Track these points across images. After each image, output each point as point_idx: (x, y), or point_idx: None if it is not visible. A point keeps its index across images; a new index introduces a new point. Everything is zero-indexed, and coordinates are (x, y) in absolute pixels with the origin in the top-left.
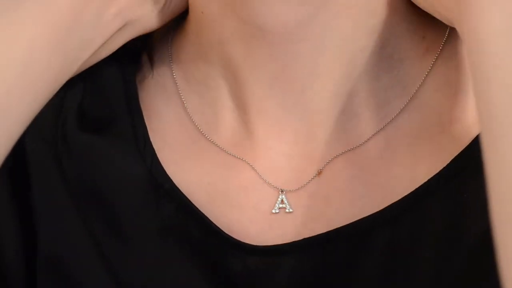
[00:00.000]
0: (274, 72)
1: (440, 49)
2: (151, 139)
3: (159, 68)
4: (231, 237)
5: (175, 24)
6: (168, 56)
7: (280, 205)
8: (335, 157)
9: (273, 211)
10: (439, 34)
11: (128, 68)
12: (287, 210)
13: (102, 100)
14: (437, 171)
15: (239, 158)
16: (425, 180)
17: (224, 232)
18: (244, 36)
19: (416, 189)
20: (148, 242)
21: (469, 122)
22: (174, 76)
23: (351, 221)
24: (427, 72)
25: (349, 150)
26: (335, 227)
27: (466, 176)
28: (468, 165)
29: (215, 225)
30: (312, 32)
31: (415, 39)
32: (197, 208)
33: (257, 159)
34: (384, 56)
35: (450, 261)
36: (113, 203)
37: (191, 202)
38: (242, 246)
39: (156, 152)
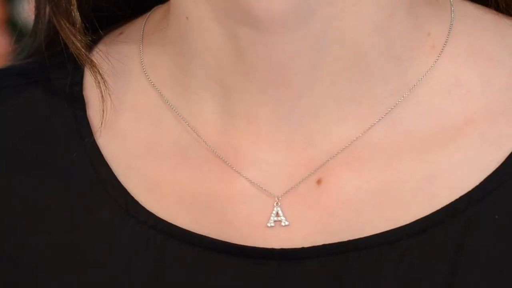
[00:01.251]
0: (269, 76)
1: (444, 46)
2: (117, 173)
3: (126, 83)
4: (238, 245)
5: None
6: (142, 68)
7: (276, 218)
8: (335, 163)
9: (268, 224)
10: (443, 29)
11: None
12: (283, 223)
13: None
14: (465, 183)
15: (226, 169)
16: (447, 194)
17: (228, 247)
18: (236, 38)
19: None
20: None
21: (487, 125)
22: (156, 89)
23: (359, 235)
24: (429, 69)
25: (350, 155)
26: (340, 241)
27: (503, 193)
28: (507, 180)
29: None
30: (312, 31)
31: (420, 36)
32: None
33: (246, 170)
34: (391, 57)
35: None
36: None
37: (181, 228)
38: (253, 254)
39: (128, 188)
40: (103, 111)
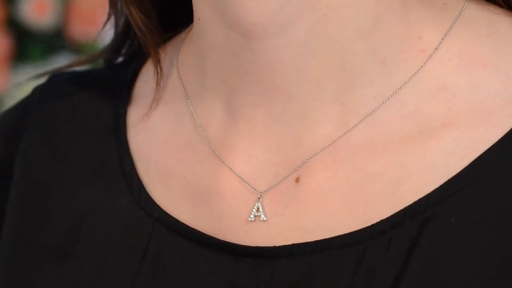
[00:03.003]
0: (262, 80)
1: (435, 50)
2: (137, 165)
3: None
4: (222, 241)
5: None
6: (176, 66)
7: (256, 213)
8: (314, 162)
9: (249, 219)
10: (438, 33)
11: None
12: (261, 219)
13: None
14: (429, 187)
15: (219, 165)
16: (411, 196)
17: (215, 244)
18: (231, 42)
19: (408, 207)
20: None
21: (464, 129)
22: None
23: (329, 235)
24: (415, 72)
25: (327, 156)
26: (313, 239)
27: (461, 198)
28: (477, 180)
29: (207, 239)
30: (294, 37)
31: (410, 39)
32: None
33: (238, 167)
34: (376, 60)
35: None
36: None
37: (180, 223)
38: (233, 250)
39: (145, 180)
40: (156, 90)
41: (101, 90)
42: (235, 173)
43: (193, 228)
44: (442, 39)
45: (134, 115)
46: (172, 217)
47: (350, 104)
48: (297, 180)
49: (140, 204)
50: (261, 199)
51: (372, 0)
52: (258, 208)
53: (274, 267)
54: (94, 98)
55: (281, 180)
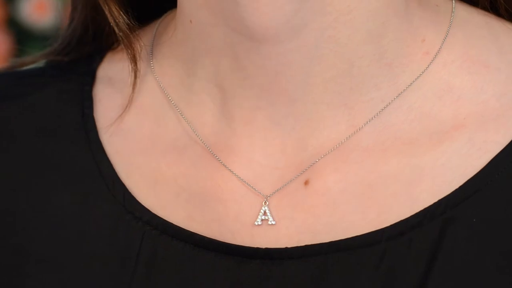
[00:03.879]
0: (264, 83)
1: (438, 51)
2: (118, 169)
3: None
4: (226, 244)
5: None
6: (151, 69)
7: (263, 217)
8: (323, 165)
9: (256, 223)
10: (439, 35)
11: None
12: (269, 223)
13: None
14: (445, 188)
15: (219, 168)
16: (427, 197)
17: (216, 246)
18: (233, 45)
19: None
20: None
21: (475, 130)
22: (163, 89)
23: (341, 236)
24: (419, 75)
25: (337, 158)
26: (325, 241)
27: (481, 198)
28: (495, 181)
29: (206, 241)
30: (305, 41)
31: (414, 42)
32: (180, 228)
33: (239, 170)
34: (383, 64)
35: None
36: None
37: (174, 225)
38: (238, 252)
39: (128, 184)
40: (132, 92)
41: (58, 91)
42: (237, 176)
43: (189, 231)
44: (443, 41)
45: (102, 117)
46: (164, 220)
47: (357, 107)
48: (306, 183)
49: (126, 208)
50: (267, 203)
51: (380, 4)
52: (265, 212)
53: (286, 269)
54: (51, 98)
55: (287, 183)
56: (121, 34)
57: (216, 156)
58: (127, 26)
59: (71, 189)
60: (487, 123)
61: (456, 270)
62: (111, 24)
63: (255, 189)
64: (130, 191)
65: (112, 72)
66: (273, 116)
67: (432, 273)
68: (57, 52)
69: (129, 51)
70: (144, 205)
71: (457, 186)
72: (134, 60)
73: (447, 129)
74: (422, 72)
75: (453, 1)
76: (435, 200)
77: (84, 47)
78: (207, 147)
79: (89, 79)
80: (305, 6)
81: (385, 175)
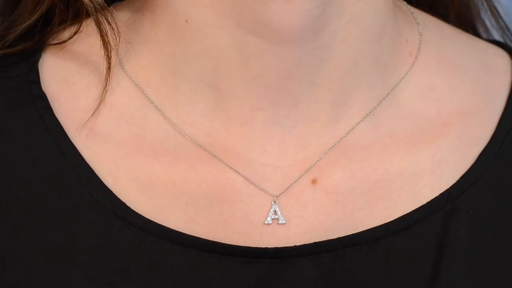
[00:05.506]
0: (271, 84)
1: (418, 52)
2: (101, 174)
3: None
4: (232, 246)
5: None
6: (121, 67)
7: (273, 216)
8: (328, 164)
9: (266, 222)
10: (416, 36)
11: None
12: (280, 222)
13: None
14: (444, 182)
15: (222, 169)
16: (429, 192)
17: (222, 244)
18: (243, 46)
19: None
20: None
21: (461, 128)
22: (140, 88)
23: (351, 232)
24: (405, 75)
25: (343, 156)
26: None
27: (476, 190)
28: (487, 173)
29: (210, 244)
30: (320, 42)
31: (401, 43)
32: (178, 232)
33: (241, 171)
34: (379, 64)
35: (475, 277)
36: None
37: (172, 230)
38: (246, 253)
39: (115, 189)
40: (104, 90)
41: (0, 91)
42: (243, 176)
43: (190, 235)
44: (420, 42)
45: (67, 119)
46: (160, 225)
47: (356, 106)
48: (313, 181)
49: (116, 214)
50: (277, 202)
51: (382, 6)
52: (275, 211)
53: (296, 267)
54: None
55: (295, 182)
56: (95, 15)
57: (217, 158)
58: (100, 6)
59: (46, 196)
60: (467, 120)
61: (464, 257)
62: (85, 3)
63: (262, 188)
64: (119, 197)
65: (65, 71)
66: (273, 116)
67: (443, 262)
68: None
69: (107, 47)
70: (136, 210)
71: (454, 181)
72: (107, 52)
73: (436, 126)
74: (407, 71)
75: (406, 4)
76: (436, 194)
77: (20, 42)
78: (206, 150)
79: (34, 77)
80: (327, 9)
81: (389, 172)
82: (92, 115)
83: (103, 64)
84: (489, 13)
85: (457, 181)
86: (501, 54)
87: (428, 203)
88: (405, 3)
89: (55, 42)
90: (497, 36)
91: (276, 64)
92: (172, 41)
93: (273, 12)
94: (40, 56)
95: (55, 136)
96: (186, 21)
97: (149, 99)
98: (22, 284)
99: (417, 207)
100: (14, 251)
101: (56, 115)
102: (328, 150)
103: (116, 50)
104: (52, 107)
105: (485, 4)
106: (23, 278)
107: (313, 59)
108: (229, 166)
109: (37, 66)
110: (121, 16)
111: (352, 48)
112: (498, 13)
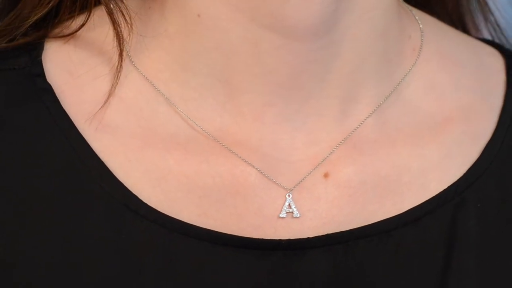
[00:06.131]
0: (284, 80)
1: (421, 49)
2: (112, 167)
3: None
4: (246, 238)
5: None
6: (130, 61)
7: (288, 210)
8: (340, 158)
9: (281, 215)
10: (418, 33)
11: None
12: (294, 215)
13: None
14: (451, 176)
15: (235, 163)
16: (437, 185)
17: (236, 237)
18: (257, 41)
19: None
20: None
21: (464, 123)
22: (151, 83)
23: (362, 225)
24: (409, 71)
25: (353, 151)
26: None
27: (482, 183)
28: (492, 166)
29: (224, 237)
30: (332, 38)
31: (405, 39)
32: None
33: (255, 165)
34: (386, 59)
35: (484, 268)
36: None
37: (185, 223)
38: (259, 246)
39: (127, 182)
40: (115, 82)
41: (3, 82)
42: (258, 170)
43: (203, 228)
44: (422, 39)
45: (75, 112)
46: (172, 218)
47: (364, 101)
48: (325, 175)
49: (128, 207)
50: (290, 196)
51: (388, 2)
52: (289, 205)
53: (309, 258)
54: None
55: (307, 176)
56: (108, 5)
57: (231, 150)
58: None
59: (56, 190)
60: (469, 117)
61: (473, 249)
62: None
63: (277, 182)
64: (130, 189)
65: (70, 63)
66: (284, 111)
67: (453, 254)
68: None
69: (120, 41)
70: (148, 203)
71: (461, 174)
72: (119, 44)
73: (440, 121)
74: (411, 67)
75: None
76: (444, 187)
77: (19, 35)
78: (221, 143)
79: (38, 69)
80: (341, 5)
81: (398, 166)
82: (101, 107)
83: (113, 56)
84: (480, 11)
85: (464, 175)
86: (495, 53)
87: (436, 195)
88: (403, 1)
89: (59, 35)
90: (486, 36)
91: (289, 60)
92: (183, 35)
93: (290, 7)
94: (42, 48)
95: (63, 128)
96: (198, 15)
97: (160, 92)
98: (32, 277)
99: (426, 199)
100: (24, 245)
101: (65, 108)
102: (339, 144)
103: (127, 43)
104: (59, 100)
105: (477, 2)
106: (33, 271)
107: (325, 55)
108: (243, 159)
109: (40, 59)
110: (129, 8)
111: (362, 44)
112: (490, 10)
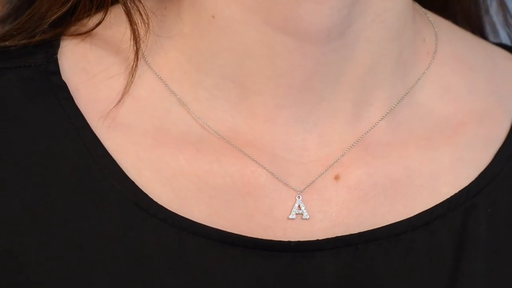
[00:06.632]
0: (296, 82)
1: (435, 52)
2: (123, 165)
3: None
4: (255, 239)
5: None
6: (144, 60)
7: (297, 211)
8: (351, 161)
9: (290, 216)
10: (433, 36)
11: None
12: (304, 217)
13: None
14: (463, 180)
15: (246, 163)
16: (448, 189)
17: (246, 237)
18: (270, 44)
19: (450, 199)
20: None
21: (477, 127)
22: (164, 82)
23: (372, 228)
24: (423, 74)
25: (365, 153)
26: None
27: (493, 188)
28: (504, 170)
29: (233, 237)
30: (346, 41)
31: (419, 42)
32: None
33: (266, 166)
34: (400, 62)
35: (494, 273)
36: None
37: (194, 222)
38: (269, 247)
39: (138, 181)
40: (130, 80)
41: (19, 79)
42: (269, 171)
43: (212, 227)
44: (436, 42)
45: (89, 110)
46: (183, 217)
47: (377, 104)
48: (336, 177)
49: (139, 206)
50: (300, 197)
51: (403, 5)
52: (299, 206)
53: (317, 261)
54: (13, 87)
55: (317, 178)
56: (125, 4)
57: (242, 151)
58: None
59: (67, 187)
60: (483, 121)
61: (484, 254)
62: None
63: (287, 183)
64: (141, 188)
65: (85, 61)
66: (296, 113)
67: (463, 258)
68: (5, 37)
69: (137, 40)
70: (159, 202)
71: (473, 179)
72: (136, 43)
73: (453, 125)
74: (425, 70)
75: (420, 6)
76: (455, 191)
77: (38, 33)
78: (232, 144)
79: (53, 67)
80: (354, 8)
81: (410, 169)
82: (115, 106)
83: (128, 55)
84: (500, 13)
85: (475, 179)
86: (509, 56)
87: (447, 199)
88: (418, 4)
89: (76, 33)
90: (505, 39)
91: (302, 63)
92: (197, 35)
93: (303, 10)
94: (58, 46)
95: (76, 126)
96: (213, 16)
97: (173, 92)
98: (42, 275)
99: (436, 204)
100: (35, 241)
101: (79, 106)
102: (350, 147)
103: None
104: (74, 98)
105: (498, 5)
106: (43, 269)
107: (338, 58)
108: (254, 160)
109: (56, 57)
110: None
111: (375, 47)
112: (510, 14)
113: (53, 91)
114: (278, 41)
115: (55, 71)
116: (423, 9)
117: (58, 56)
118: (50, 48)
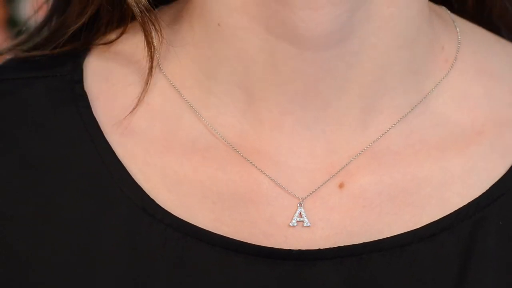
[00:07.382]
0: (300, 89)
1: (455, 60)
2: (132, 171)
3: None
4: (257, 246)
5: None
6: (159, 68)
7: (299, 219)
8: (357, 168)
9: (291, 224)
10: (453, 44)
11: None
12: (305, 224)
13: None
14: (474, 190)
15: (250, 170)
16: (458, 200)
17: (248, 244)
18: (272, 50)
19: (458, 211)
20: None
21: (494, 137)
22: (177, 89)
23: (376, 238)
24: (439, 82)
25: (373, 161)
26: (360, 242)
27: (506, 200)
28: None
29: (236, 244)
30: (349, 48)
31: (436, 49)
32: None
33: (269, 172)
34: (412, 70)
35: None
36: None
37: (199, 228)
38: (270, 254)
39: (145, 186)
40: (137, 102)
41: (47, 88)
42: (270, 178)
43: (216, 234)
44: (457, 50)
45: (104, 117)
46: (187, 222)
47: (386, 112)
48: (341, 185)
49: (146, 211)
50: (302, 205)
51: (415, 11)
52: (300, 214)
53: (319, 270)
54: (41, 96)
55: (321, 186)
56: (140, 16)
57: (246, 159)
58: (146, 8)
59: (78, 192)
60: (503, 131)
61: (492, 267)
62: (131, 4)
63: (289, 191)
64: (148, 193)
65: (108, 71)
66: (302, 120)
67: (469, 271)
68: (36, 47)
69: (151, 49)
70: (164, 207)
71: (484, 190)
72: (150, 52)
73: (469, 135)
74: (442, 79)
75: (449, 12)
76: (465, 202)
77: (67, 43)
78: (237, 150)
79: (78, 76)
80: (356, 15)
81: (419, 178)
82: (129, 113)
83: (145, 64)
84: None
85: (487, 190)
86: None
87: (456, 211)
88: (447, 10)
89: (101, 42)
90: None
91: (304, 69)
92: (206, 43)
93: (299, 18)
94: (85, 56)
95: (91, 133)
96: (219, 24)
97: (185, 99)
98: (49, 279)
99: (445, 214)
100: (44, 246)
101: (95, 114)
102: (357, 155)
103: (158, 51)
104: (92, 106)
105: None
106: (50, 271)
107: (342, 64)
108: (256, 168)
109: (82, 66)
110: (165, 18)
111: (383, 54)
112: None
113: (75, 100)
114: (279, 48)
115: (79, 80)
116: (452, 15)
117: (84, 65)
118: (77, 58)
